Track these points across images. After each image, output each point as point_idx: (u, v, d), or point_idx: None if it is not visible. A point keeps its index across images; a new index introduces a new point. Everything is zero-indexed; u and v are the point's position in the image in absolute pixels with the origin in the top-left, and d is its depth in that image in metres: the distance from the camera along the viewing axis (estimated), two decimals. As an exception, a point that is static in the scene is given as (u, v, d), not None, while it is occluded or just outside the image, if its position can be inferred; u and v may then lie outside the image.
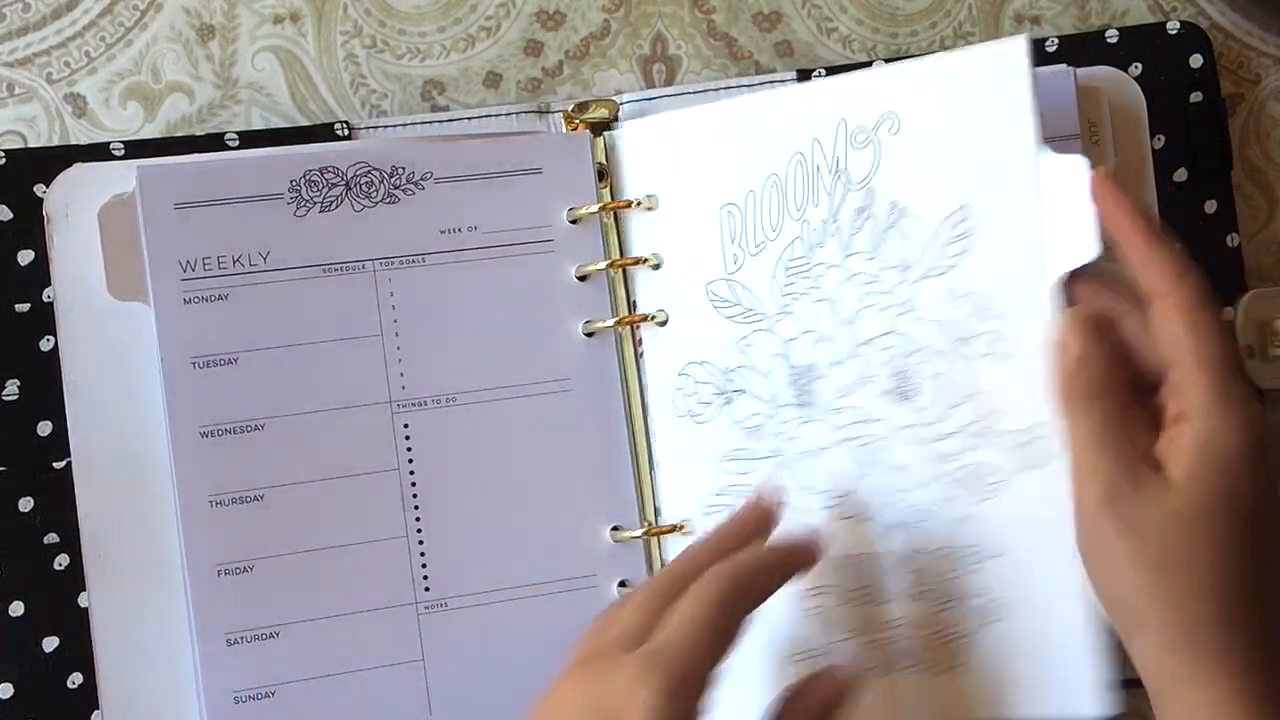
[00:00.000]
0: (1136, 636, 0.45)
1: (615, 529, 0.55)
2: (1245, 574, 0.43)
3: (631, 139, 0.56)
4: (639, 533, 0.55)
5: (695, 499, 0.55)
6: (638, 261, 0.55)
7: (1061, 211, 0.48)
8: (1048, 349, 0.47)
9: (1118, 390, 0.46)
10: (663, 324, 0.55)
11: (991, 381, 0.49)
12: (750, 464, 0.54)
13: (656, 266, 0.55)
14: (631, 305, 0.56)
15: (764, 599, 0.46)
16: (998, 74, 0.49)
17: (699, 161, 0.54)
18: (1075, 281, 0.48)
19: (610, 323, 0.55)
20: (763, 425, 0.53)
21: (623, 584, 0.55)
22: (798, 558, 0.48)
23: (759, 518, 0.50)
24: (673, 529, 0.55)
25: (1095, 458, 0.45)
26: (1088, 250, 0.47)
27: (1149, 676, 0.45)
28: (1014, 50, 0.49)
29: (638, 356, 0.56)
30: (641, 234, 0.56)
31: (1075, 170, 0.48)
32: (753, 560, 0.47)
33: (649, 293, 0.56)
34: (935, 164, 0.50)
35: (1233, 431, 0.43)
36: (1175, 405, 0.45)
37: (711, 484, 0.55)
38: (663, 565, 0.56)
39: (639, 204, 0.55)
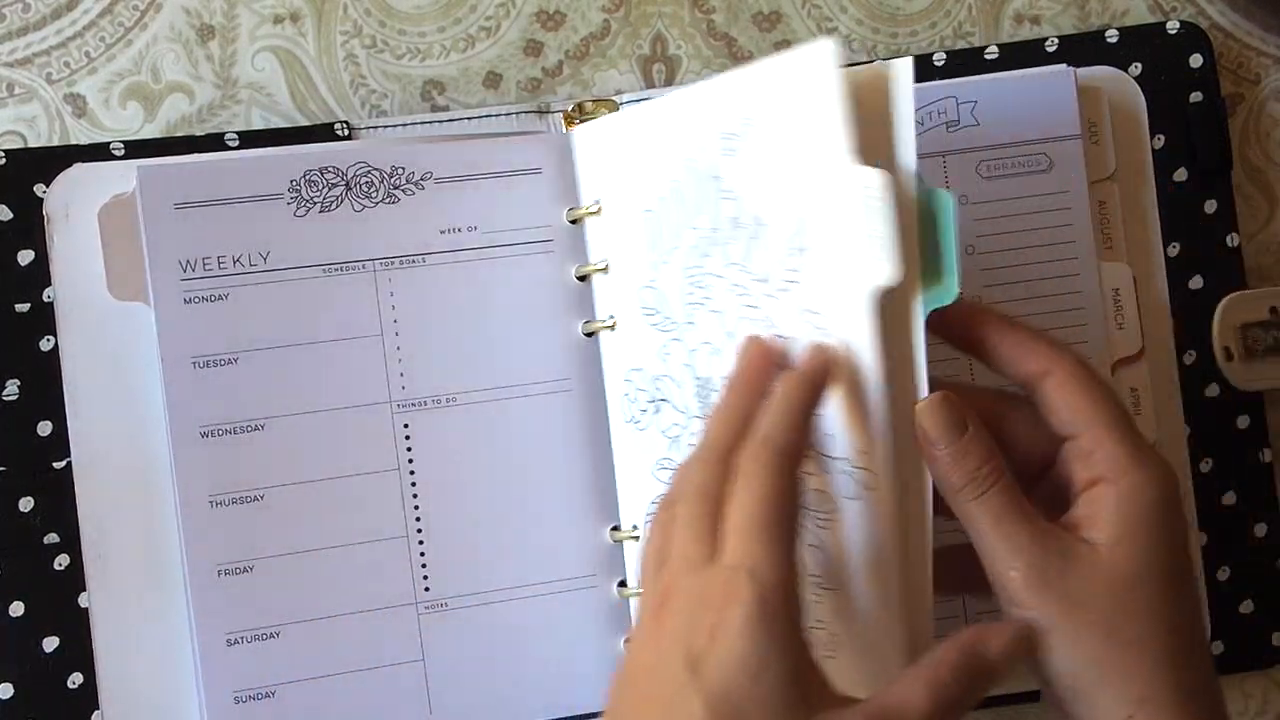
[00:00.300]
0: (1086, 713, 0.43)
1: (614, 529, 0.55)
2: (1187, 630, 0.43)
3: (580, 142, 0.56)
4: (638, 533, 0.55)
5: (640, 506, 0.54)
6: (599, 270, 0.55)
7: (867, 227, 0.43)
8: (915, 436, 0.44)
9: (1004, 471, 0.44)
10: (611, 329, 0.55)
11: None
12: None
13: (605, 271, 0.55)
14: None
15: (808, 438, 0.43)
16: (807, 79, 0.45)
17: (629, 164, 0.54)
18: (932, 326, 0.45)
19: (609, 323, 0.55)
20: (680, 436, 0.52)
21: (622, 584, 0.55)
22: (817, 377, 0.44)
23: (761, 367, 0.45)
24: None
25: (1011, 545, 0.43)
26: (885, 272, 0.43)
27: None
28: (819, 54, 0.44)
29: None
30: (594, 239, 0.56)
31: (877, 183, 0.43)
32: (781, 415, 0.43)
33: (603, 298, 0.55)
34: (779, 174, 0.47)
35: (1153, 486, 0.43)
36: (1086, 470, 0.44)
37: (649, 492, 0.54)
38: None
39: (588, 209, 0.55)
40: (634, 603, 0.54)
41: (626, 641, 0.45)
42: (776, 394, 0.44)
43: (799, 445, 0.43)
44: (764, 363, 0.45)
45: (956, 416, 0.44)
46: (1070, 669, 0.43)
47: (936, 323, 0.44)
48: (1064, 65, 0.57)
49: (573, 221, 0.55)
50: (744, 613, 0.39)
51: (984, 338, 0.45)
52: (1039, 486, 0.46)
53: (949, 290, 0.44)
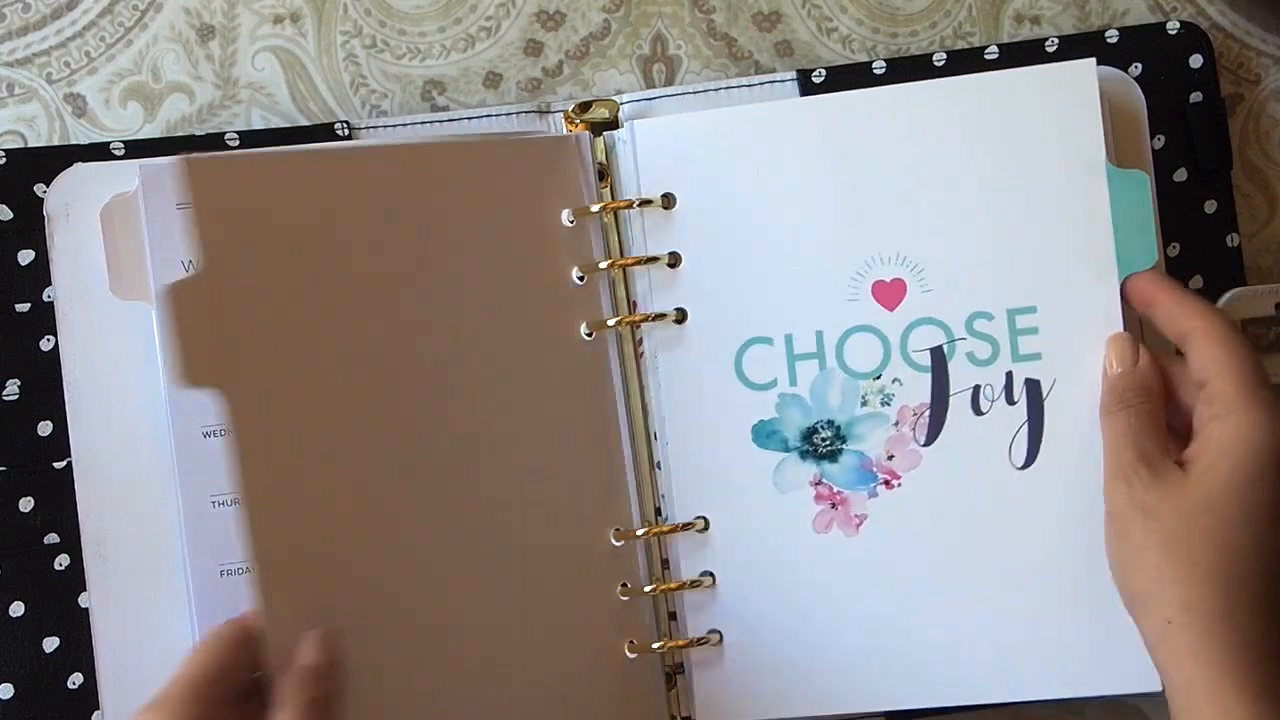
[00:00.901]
0: (1142, 618, 0.48)
1: (616, 530, 0.55)
2: (1252, 566, 0.47)
3: (648, 137, 0.56)
4: (640, 533, 0.55)
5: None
6: (651, 260, 0.55)
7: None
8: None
9: (1148, 404, 0.51)
10: (679, 321, 0.55)
11: None
12: None
13: (674, 265, 0.55)
14: (631, 305, 0.56)
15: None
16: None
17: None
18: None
19: (613, 322, 0.55)
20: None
21: (624, 586, 0.55)
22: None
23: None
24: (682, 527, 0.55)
25: (1119, 455, 0.50)
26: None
27: (1156, 659, 0.48)
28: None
29: (638, 356, 0.56)
30: (657, 233, 0.55)
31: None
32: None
33: (664, 291, 0.55)
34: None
35: (1258, 428, 0.47)
36: (1207, 410, 0.49)
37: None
38: (664, 566, 0.56)
39: (654, 203, 0.55)
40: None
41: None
42: (288, 694, 0.47)
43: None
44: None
45: (1133, 351, 0.52)
46: (1133, 578, 0.48)
47: (1129, 288, 0.53)
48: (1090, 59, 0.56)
49: (573, 221, 0.55)
50: None
51: (1154, 299, 0.52)
52: (1194, 419, 0.50)
53: (1150, 255, 0.53)
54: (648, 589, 0.55)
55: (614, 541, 0.55)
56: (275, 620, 0.47)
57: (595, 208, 0.55)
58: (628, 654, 0.54)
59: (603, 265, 0.55)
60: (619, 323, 0.55)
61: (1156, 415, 0.51)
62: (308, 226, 0.51)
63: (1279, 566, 0.47)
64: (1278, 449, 0.47)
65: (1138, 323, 0.54)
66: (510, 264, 0.54)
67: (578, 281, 0.55)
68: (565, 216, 0.55)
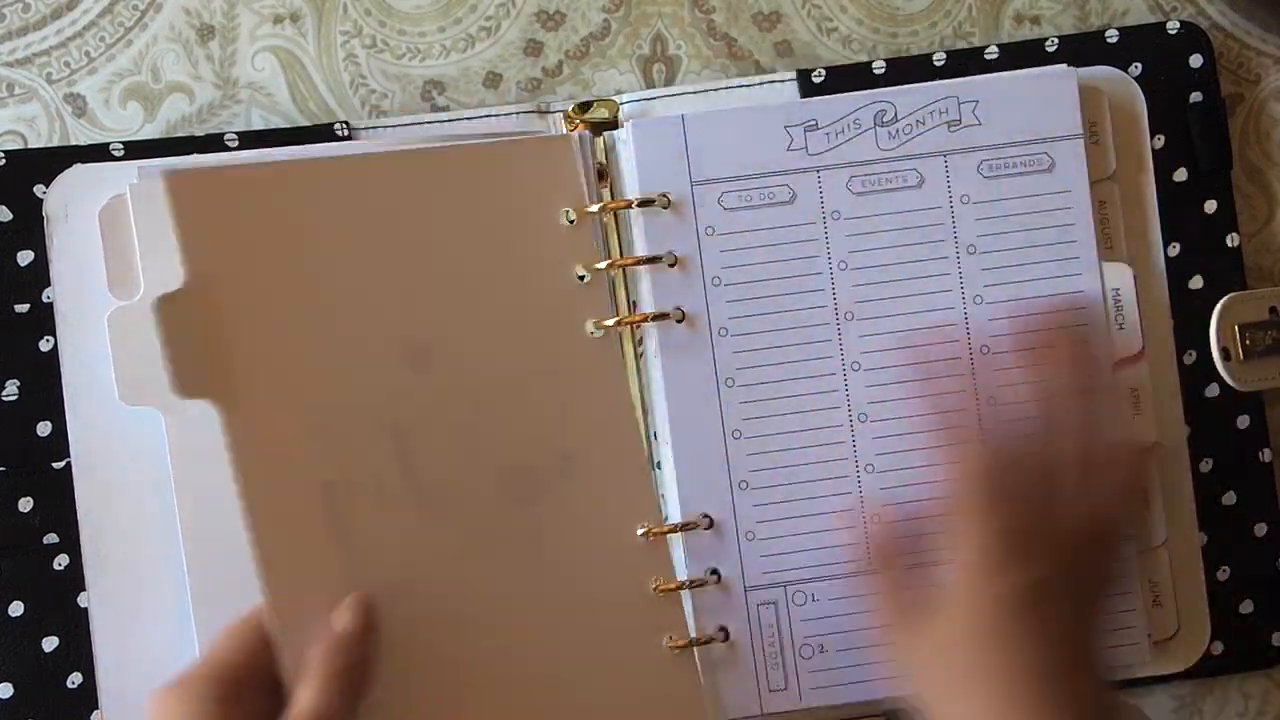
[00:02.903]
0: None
1: (645, 527, 0.55)
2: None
3: (643, 138, 0.56)
4: (664, 530, 0.55)
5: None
6: (651, 260, 0.55)
7: None
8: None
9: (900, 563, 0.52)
10: (680, 320, 0.55)
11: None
12: None
13: (673, 264, 0.55)
14: (631, 305, 0.56)
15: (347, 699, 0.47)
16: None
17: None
18: None
19: (612, 322, 0.55)
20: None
21: (657, 581, 0.54)
22: (353, 644, 0.48)
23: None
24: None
25: (895, 603, 0.51)
26: None
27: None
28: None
29: (638, 356, 0.56)
30: (657, 233, 0.55)
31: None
32: (318, 686, 0.46)
33: (664, 291, 0.55)
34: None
35: (970, 566, 0.49)
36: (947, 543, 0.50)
37: None
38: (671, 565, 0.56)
39: (653, 203, 0.55)
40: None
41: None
42: (314, 663, 0.47)
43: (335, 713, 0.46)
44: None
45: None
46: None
47: None
48: (1065, 65, 0.57)
49: (572, 221, 0.55)
50: None
51: None
52: None
53: None
54: (671, 586, 0.54)
55: (642, 540, 0.54)
56: (287, 620, 0.48)
57: (594, 207, 0.55)
58: (668, 650, 0.54)
59: (602, 266, 0.55)
60: (618, 322, 0.55)
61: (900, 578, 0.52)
62: (305, 235, 0.52)
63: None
64: (987, 567, 0.49)
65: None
66: (513, 264, 0.54)
67: (580, 280, 0.55)
68: (566, 216, 0.55)
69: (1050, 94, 0.56)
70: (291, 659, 0.47)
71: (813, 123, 0.56)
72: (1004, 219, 0.56)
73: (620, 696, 0.54)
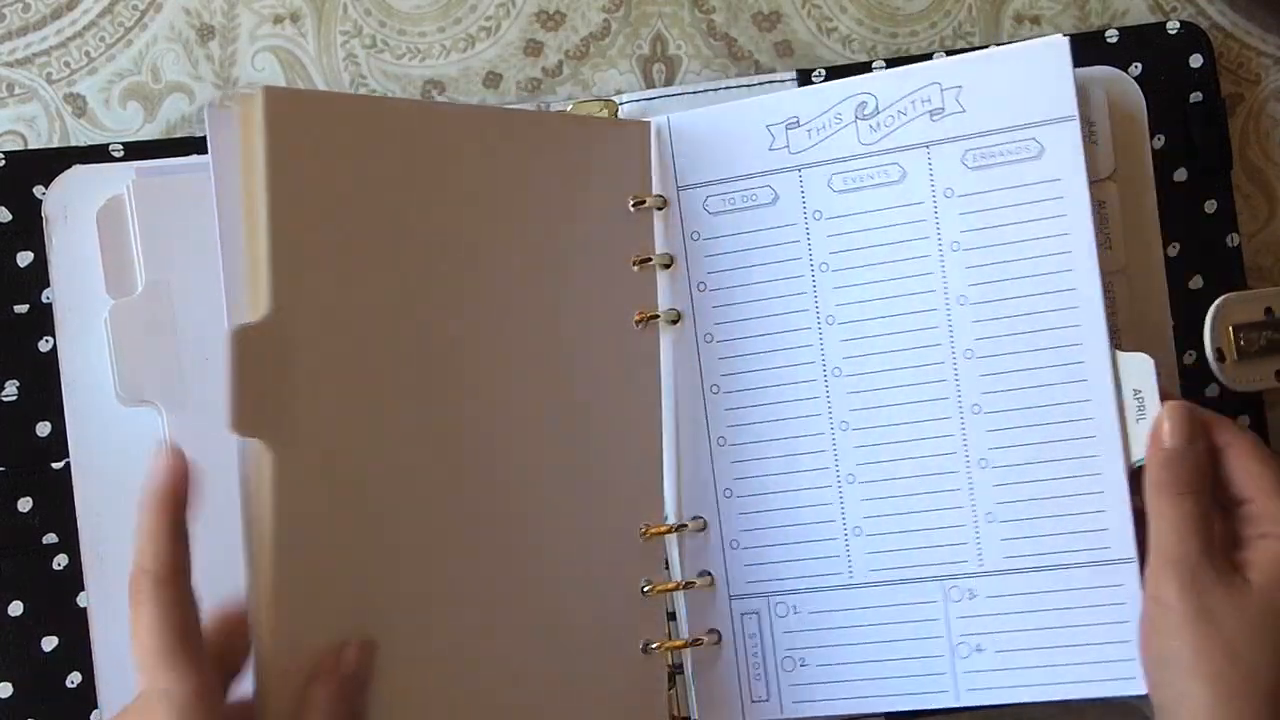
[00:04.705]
0: (1176, 717, 0.47)
1: (645, 527, 0.55)
2: None
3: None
4: (664, 530, 0.55)
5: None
6: (643, 262, 0.55)
7: None
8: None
9: (1206, 491, 0.48)
10: (674, 322, 0.55)
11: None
12: None
13: (666, 266, 0.55)
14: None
15: (182, 552, 0.44)
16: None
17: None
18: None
19: (659, 314, 0.55)
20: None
21: (647, 583, 0.54)
22: (172, 493, 0.45)
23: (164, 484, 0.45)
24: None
25: (1180, 546, 0.47)
26: None
27: None
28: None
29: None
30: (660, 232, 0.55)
31: None
32: (148, 540, 0.44)
33: (662, 292, 0.55)
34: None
35: None
36: (1255, 528, 0.48)
37: None
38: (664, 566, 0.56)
39: (645, 203, 0.55)
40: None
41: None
42: (139, 519, 0.44)
43: (173, 564, 0.43)
44: (169, 479, 0.45)
45: (1192, 427, 0.49)
46: (1177, 679, 0.46)
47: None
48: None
49: (632, 208, 0.55)
50: None
51: (1172, 430, 0.49)
52: (1235, 519, 0.49)
53: None
54: (663, 587, 0.54)
55: (641, 538, 0.54)
56: (284, 648, 0.46)
57: (657, 197, 0.55)
58: (640, 653, 0.54)
59: (660, 254, 0.55)
60: (640, 318, 0.55)
61: (1211, 507, 0.48)
62: (383, 178, 0.49)
63: None
64: None
65: None
66: (575, 245, 0.53)
67: (635, 269, 0.55)
68: (628, 203, 0.55)
69: (1039, 70, 0.52)
70: (279, 686, 0.45)
71: (794, 120, 0.54)
72: (990, 213, 0.53)
73: (579, 694, 0.53)
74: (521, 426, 0.52)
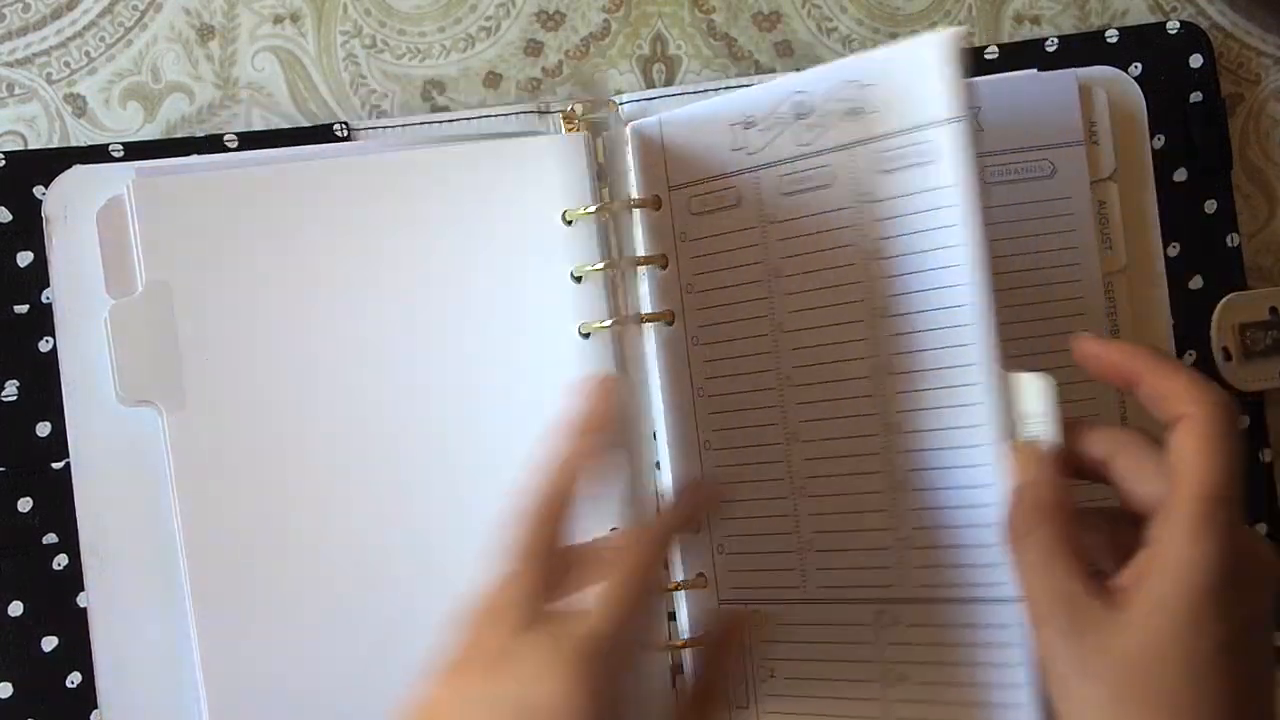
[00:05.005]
0: None
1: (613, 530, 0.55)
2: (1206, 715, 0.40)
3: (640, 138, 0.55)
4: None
5: None
6: (644, 261, 0.55)
7: None
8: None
9: (1054, 523, 0.43)
10: (669, 323, 0.55)
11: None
12: None
13: (664, 266, 0.55)
14: (628, 305, 0.56)
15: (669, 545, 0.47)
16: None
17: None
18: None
19: (608, 323, 0.55)
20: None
21: None
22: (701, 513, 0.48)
23: (598, 412, 0.48)
24: None
25: (1039, 597, 0.42)
26: None
27: None
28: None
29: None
30: (649, 234, 0.55)
31: None
32: (665, 530, 0.47)
33: (658, 292, 0.55)
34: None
35: (1205, 565, 0.40)
36: (1155, 528, 0.41)
37: None
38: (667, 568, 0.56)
39: (644, 203, 0.55)
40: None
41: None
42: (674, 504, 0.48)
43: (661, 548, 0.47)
44: (600, 408, 0.47)
45: (1033, 458, 0.44)
46: (1070, 702, 0.42)
47: (1095, 364, 0.45)
48: (1067, 69, 0.56)
49: (569, 222, 0.55)
50: (565, 686, 0.41)
51: (1137, 377, 0.44)
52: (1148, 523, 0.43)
53: None
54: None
55: None
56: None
57: (591, 208, 0.55)
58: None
59: (599, 266, 0.55)
60: (615, 323, 0.55)
61: (1069, 535, 0.43)
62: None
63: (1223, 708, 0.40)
64: (1227, 588, 0.40)
65: None
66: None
67: (573, 283, 0.55)
68: (563, 217, 0.55)
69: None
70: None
71: (750, 120, 0.52)
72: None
73: None
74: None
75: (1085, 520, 0.44)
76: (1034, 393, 0.45)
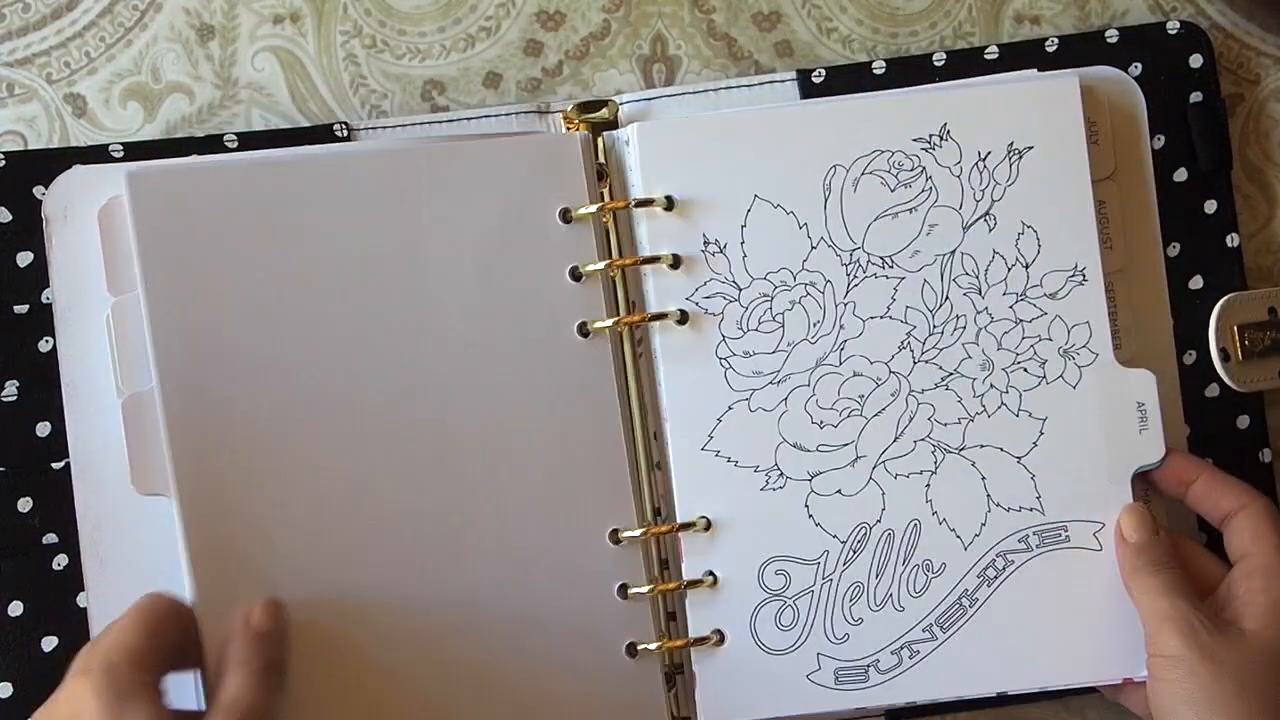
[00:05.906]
0: None
1: (614, 531, 0.55)
2: None
3: (648, 140, 0.55)
4: (638, 534, 0.55)
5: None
6: (651, 260, 0.55)
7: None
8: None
9: (1179, 569, 0.53)
10: (681, 322, 0.55)
11: None
12: None
13: (674, 265, 0.55)
14: (630, 305, 0.56)
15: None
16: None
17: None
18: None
19: (609, 323, 0.55)
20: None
21: (623, 587, 0.55)
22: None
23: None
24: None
25: (1171, 606, 0.51)
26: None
27: None
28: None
29: (636, 356, 0.56)
30: (659, 234, 0.55)
31: None
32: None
33: (666, 292, 0.55)
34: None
35: None
36: (1248, 580, 0.52)
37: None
38: (664, 566, 0.56)
39: (655, 203, 0.55)
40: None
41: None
42: (239, 656, 0.49)
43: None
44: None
45: (1150, 520, 0.54)
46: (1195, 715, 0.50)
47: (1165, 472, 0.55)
48: (1068, 70, 0.56)
49: (569, 221, 0.55)
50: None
51: (1191, 481, 0.54)
52: (1219, 591, 0.53)
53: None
54: (642, 590, 0.55)
55: (611, 543, 0.55)
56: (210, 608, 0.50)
57: (592, 208, 0.55)
58: (625, 655, 0.54)
59: (598, 266, 0.55)
60: (617, 323, 0.55)
61: (1187, 581, 0.52)
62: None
63: None
64: None
65: None
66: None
67: (572, 282, 0.55)
68: (562, 216, 0.55)
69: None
70: (212, 648, 0.49)
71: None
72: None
73: (564, 697, 0.54)
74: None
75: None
76: (1145, 384, 0.55)
